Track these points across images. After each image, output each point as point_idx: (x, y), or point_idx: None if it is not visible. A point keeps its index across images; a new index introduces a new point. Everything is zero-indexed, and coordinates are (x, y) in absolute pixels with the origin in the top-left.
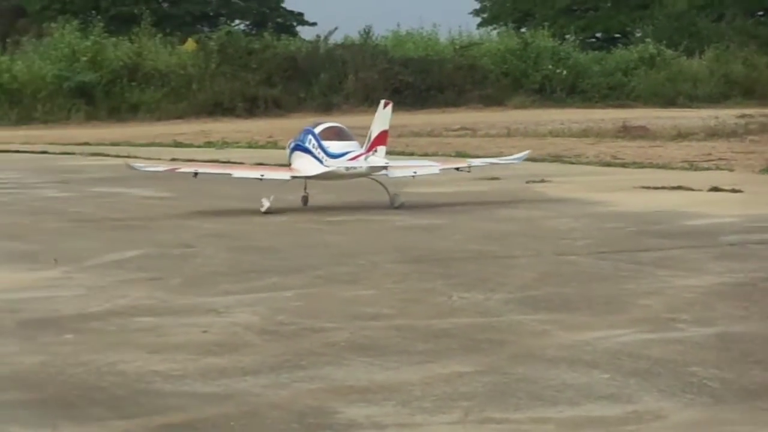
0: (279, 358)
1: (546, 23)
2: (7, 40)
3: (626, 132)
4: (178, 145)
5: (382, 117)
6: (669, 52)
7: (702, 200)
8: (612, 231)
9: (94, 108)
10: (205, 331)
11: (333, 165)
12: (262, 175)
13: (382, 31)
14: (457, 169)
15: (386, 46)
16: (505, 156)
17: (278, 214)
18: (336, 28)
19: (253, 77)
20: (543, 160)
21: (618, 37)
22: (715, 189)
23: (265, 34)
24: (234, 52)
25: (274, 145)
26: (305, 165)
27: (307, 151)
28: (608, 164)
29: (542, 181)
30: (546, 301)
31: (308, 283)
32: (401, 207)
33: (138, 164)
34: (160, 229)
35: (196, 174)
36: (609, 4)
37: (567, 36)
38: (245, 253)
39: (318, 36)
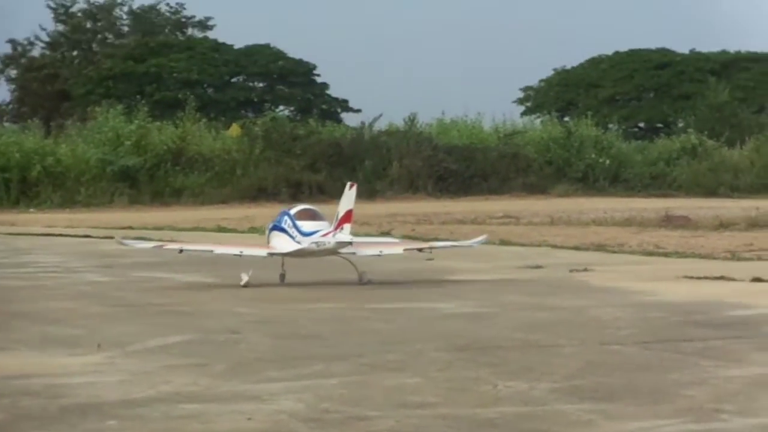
0: None
1: (589, 112)
2: (52, 123)
3: (668, 221)
4: (221, 230)
5: (348, 198)
6: (711, 142)
7: (744, 291)
8: (656, 320)
9: (138, 192)
10: (249, 419)
11: (305, 242)
12: (241, 252)
13: (426, 118)
14: (420, 250)
15: (431, 133)
16: (465, 240)
17: (324, 301)
18: (381, 115)
19: (297, 163)
20: (586, 249)
21: (660, 127)
22: (758, 279)
23: (310, 120)
24: (278, 137)
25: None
26: (281, 243)
27: (283, 230)
28: (651, 253)
29: (585, 269)
30: (591, 391)
31: (353, 370)
32: (369, 283)
33: (128, 240)
34: (204, 314)
35: (181, 251)
36: (652, 95)
37: (610, 125)
38: (290, 339)
39: (363, 123)
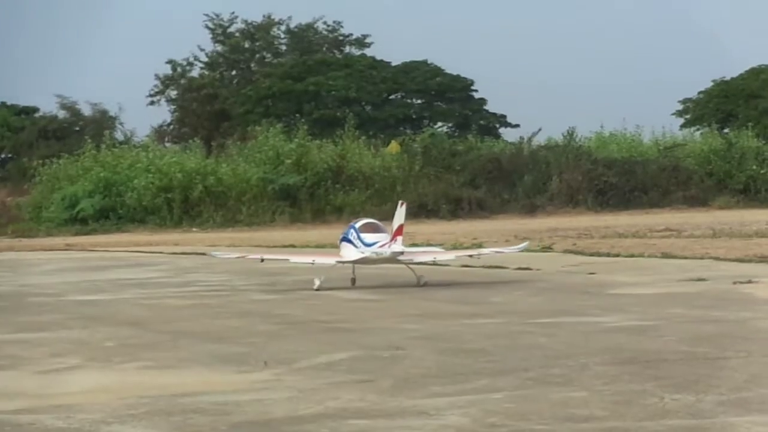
0: None
1: (750, 124)
2: (212, 143)
3: None
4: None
5: (399, 214)
6: None
7: None
8: None
9: (299, 210)
10: None
11: (367, 251)
12: (314, 261)
13: (585, 132)
14: (470, 256)
15: (590, 147)
16: (508, 247)
17: (487, 317)
18: (539, 130)
19: (456, 179)
20: (750, 261)
21: None
22: None
23: (469, 136)
24: (438, 154)
25: (479, 247)
26: (348, 252)
27: (349, 241)
28: None
29: (749, 281)
30: (759, 403)
31: (519, 384)
32: (425, 285)
33: (216, 252)
34: (368, 331)
35: (262, 260)
36: None
37: None
38: (455, 355)
39: (521, 137)
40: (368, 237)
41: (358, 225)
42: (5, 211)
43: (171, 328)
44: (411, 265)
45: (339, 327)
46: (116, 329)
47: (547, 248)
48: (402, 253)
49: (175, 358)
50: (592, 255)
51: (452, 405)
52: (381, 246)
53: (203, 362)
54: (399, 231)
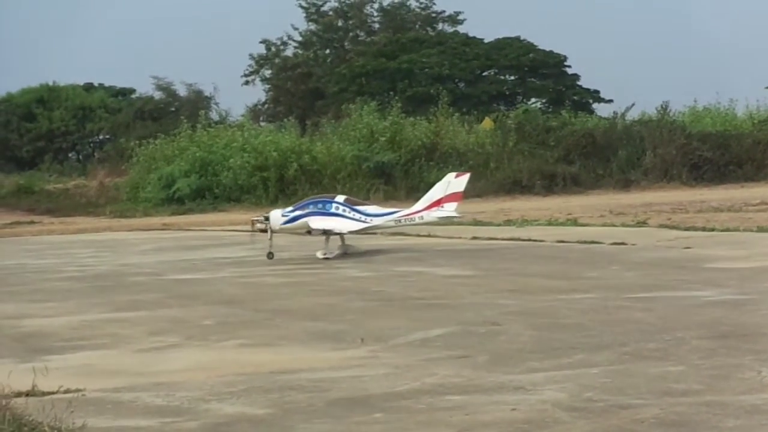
0: None
1: None
2: (307, 122)
3: None
4: (477, 223)
5: (455, 184)
6: None
7: None
8: None
9: (393, 187)
10: (514, 409)
11: (378, 221)
12: (333, 229)
13: (678, 106)
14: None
15: (683, 121)
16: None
17: (583, 292)
18: (633, 105)
19: (551, 155)
20: None
21: None
22: None
23: (562, 111)
24: (531, 129)
25: (574, 222)
26: (340, 224)
27: (334, 215)
28: None
29: None
30: None
31: (615, 359)
32: (354, 254)
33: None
34: (464, 307)
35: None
36: None
37: None
38: (551, 330)
39: (615, 113)
40: (368, 209)
41: (341, 200)
42: (104, 192)
43: (268, 306)
44: (342, 237)
45: (434, 303)
46: (214, 308)
47: (642, 223)
48: (456, 216)
49: (272, 336)
50: (687, 229)
51: (549, 380)
52: (407, 215)
53: (300, 340)
54: (451, 197)
